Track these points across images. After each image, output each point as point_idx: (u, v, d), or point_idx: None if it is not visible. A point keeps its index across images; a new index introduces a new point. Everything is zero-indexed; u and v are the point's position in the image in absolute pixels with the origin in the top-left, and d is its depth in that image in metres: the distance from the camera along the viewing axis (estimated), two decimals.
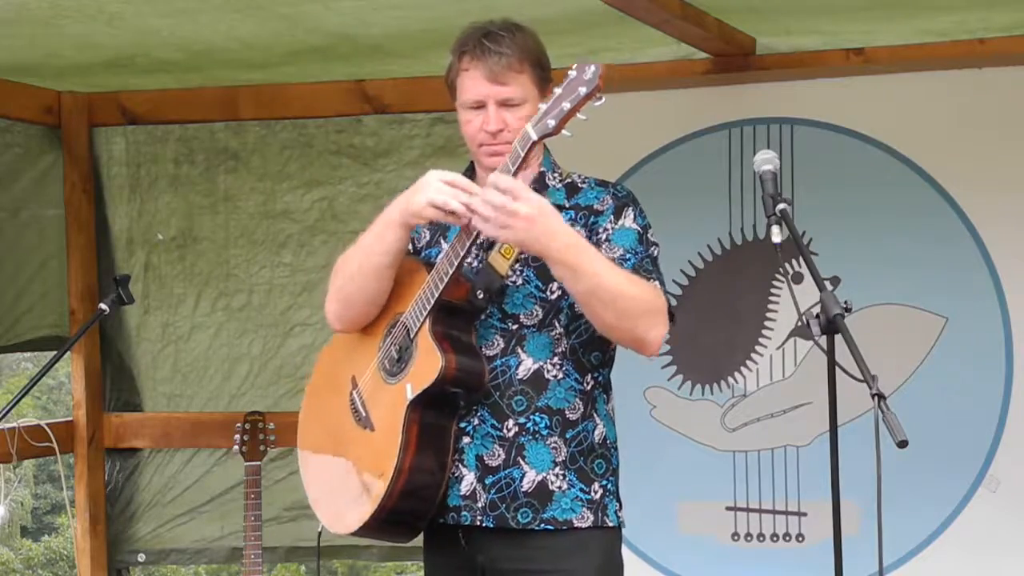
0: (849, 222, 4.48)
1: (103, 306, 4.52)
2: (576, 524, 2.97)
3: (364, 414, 3.05)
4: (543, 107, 2.83)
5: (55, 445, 5.15)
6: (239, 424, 4.88)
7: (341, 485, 3.07)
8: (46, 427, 5.14)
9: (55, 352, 4.58)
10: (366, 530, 3.00)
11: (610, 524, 3.02)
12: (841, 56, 4.58)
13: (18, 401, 4.43)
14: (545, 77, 2.99)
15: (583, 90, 2.79)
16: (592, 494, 2.99)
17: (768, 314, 4.61)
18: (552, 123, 2.81)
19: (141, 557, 5.41)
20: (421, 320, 2.94)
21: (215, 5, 3.97)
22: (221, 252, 5.28)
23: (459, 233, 2.93)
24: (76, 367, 5.34)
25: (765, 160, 2.98)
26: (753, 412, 4.62)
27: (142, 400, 5.39)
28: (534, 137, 2.82)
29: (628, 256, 2.94)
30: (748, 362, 4.63)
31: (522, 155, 2.82)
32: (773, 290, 4.60)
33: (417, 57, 4.72)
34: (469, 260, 2.97)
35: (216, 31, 4.27)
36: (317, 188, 5.18)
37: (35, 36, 4.29)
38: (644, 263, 2.95)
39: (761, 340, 4.61)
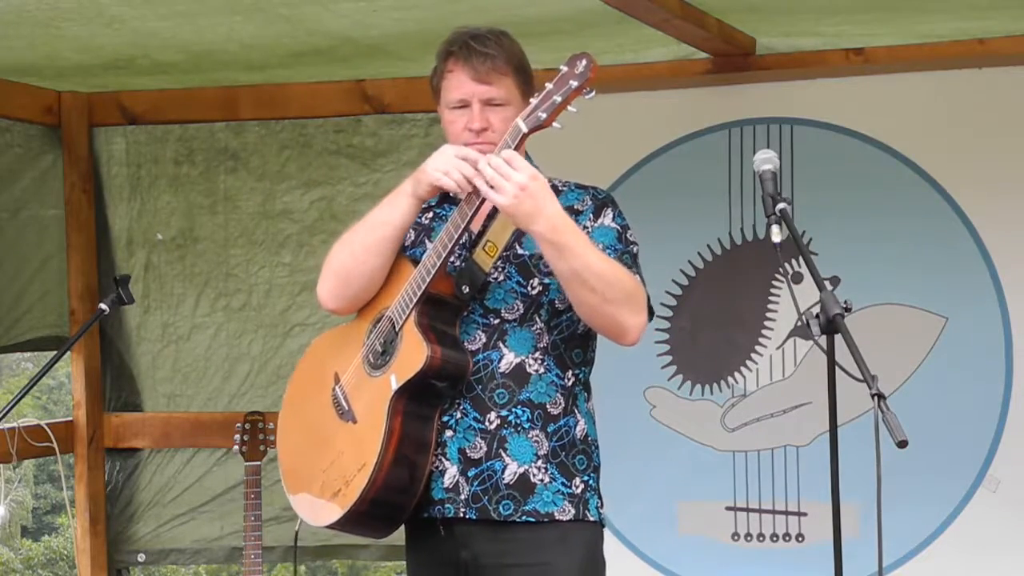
0: (849, 222, 4.48)
1: (103, 306, 4.51)
2: (558, 517, 2.99)
3: (347, 407, 3.07)
4: (534, 101, 2.86)
5: (55, 445, 5.15)
6: (239, 424, 4.87)
7: (321, 478, 3.08)
8: (46, 427, 5.14)
9: (55, 352, 4.58)
10: (346, 522, 3.01)
11: (591, 519, 3.05)
12: (841, 56, 4.58)
13: (18, 401, 4.42)
14: (527, 83, 3.03)
15: (574, 83, 2.82)
16: (574, 488, 3.02)
17: (768, 314, 4.61)
18: (543, 116, 2.84)
19: (141, 557, 5.41)
20: (406, 313, 2.97)
21: (214, 7, 3.97)
22: (221, 252, 5.28)
23: (446, 228, 2.95)
24: (76, 367, 5.33)
25: (765, 160, 2.98)
26: (753, 412, 4.62)
27: (142, 400, 5.39)
28: (524, 129, 2.86)
29: (608, 252, 2.98)
30: (748, 362, 4.63)
31: (512, 147, 2.86)
32: (773, 290, 4.60)
33: (416, 59, 4.72)
34: (453, 259, 3.00)
35: (216, 33, 4.27)
36: (316, 188, 5.19)
37: (35, 37, 4.28)
38: (624, 258, 2.99)
39: (761, 340, 4.61)
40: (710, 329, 4.64)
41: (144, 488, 5.39)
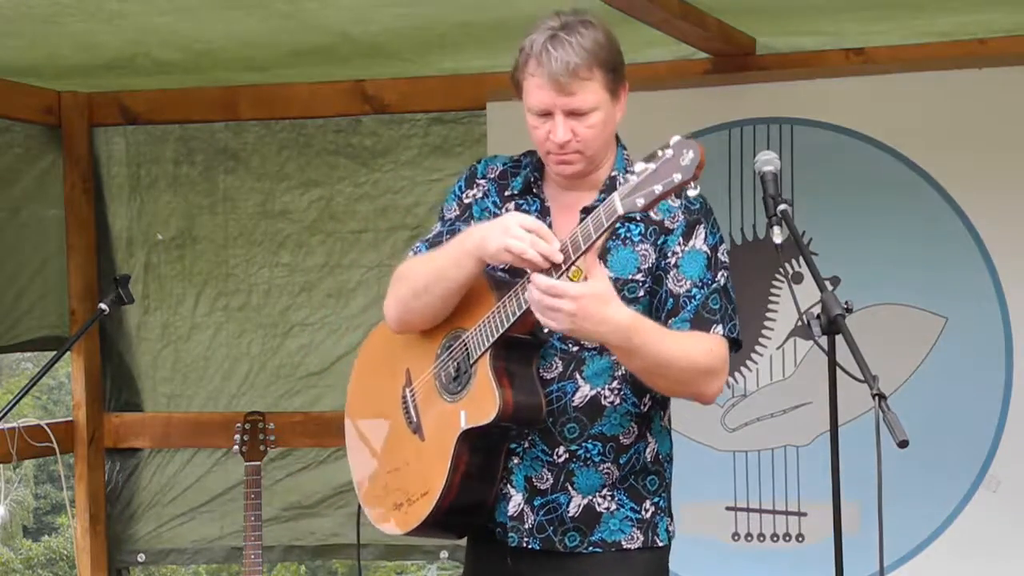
0: (849, 222, 4.48)
1: (103, 306, 4.52)
2: (625, 545, 2.92)
3: (415, 419, 3.01)
4: (634, 179, 2.64)
5: (55, 445, 5.15)
6: (239, 424, 4.88)
7: (385, 479, 3.07)
8: (46, 427, 5.14)
9: (55, 352, 4.58)
10: (410, 535, 3.00)
11: (660, 544, 2.97)
12: (841, 56, 4.59)
13: (18, 401, 4.43)
14: (617, 79, 2.86)
15: (678, 177, 2.59)
16: (643, 513, 2.95)
17: (768, 314, 4.61)
18: (641, 202, 2.63)
19: (141, 557, 5.41)
20: (482, 349, 2.86)
21: (215, 2, 3.96)
22: (220, 252, 5.28)
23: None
24: (76, 367, 5.33)
25: (766, 161, 2.97)
26: (753, 412, 4.61)
27: (142, 400, 5.39)
28: (620, 211, 2.65)
29: (694, 292, 2.87)
30: (748, 362, 4.63)
31: (606, 226, 2.67)
32: (773, 290, 4.60)
33: (416, 59, 4.72)
34: None
35: (216, 30, 4.27)
36: (315, 188, 5.18)
37: (35, 36, 4.28)
38: (709, 301, 2.88)
39: (761, 340, 4.61)
40: None
41: (144, 488, 5.39)
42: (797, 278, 4.01)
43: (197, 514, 5.34)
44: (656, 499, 2.97)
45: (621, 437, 2.92)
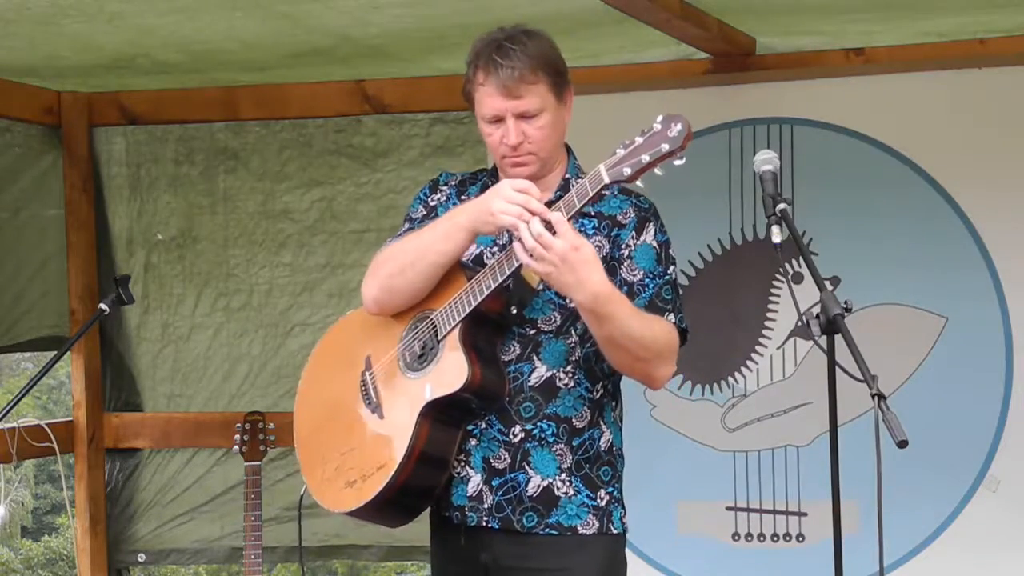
0: (849, 222, 4.48)
1: (103, 306, 4.52)
2: (581, 531, 3.01)
3: (374, 399, 3.07)
4: (621, 151, 2.81)
5: (55, 445, 5.15)
6: (239, 424, 4.87)
7: (337, 460, 3.10)
8: (46, 427, 5.14)
9: (55, 352, 4.58)
10: (358, 513, 3.04)
11: (615, 531, 3.06)
12: (841, 56, 4.59)
13: (18, 401, 4.43)
14: (561, 82, 3.00)
15: (665, 147, 2.78)
16: (598, 500, 3.03)
17: (768, 314, 4.61)
18: (628, 171, 2.80)
19: (141, 557, 5.41)
20: (452, 325, 2.96)
21: (215, 3, 3.97)
22: (220, 252, 5.28)
23: (507, 252, 2.92)
24: (76, 367, 5.33)
25: (765, 160, 2.98)
26: (753, 412, 4.62)
27: (142, 400, 5.39)
28: (606, 180, 2.81)
29: (647, 281, 2.98)
30: (748, 362, 4.63)
31: (591, 194, 2.81)
32: (773, 290, 4.60)
33: (416, 60, 4.73)
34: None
35: (216, 31, 4.27)
36: (316, 188, 5.19)
37: (35, 36, 4.28)
38: (662, 291, 3.00)
39: (761, 340, 4.61)
40: (710, 329, 4.64)
41: (144, 488, 5.39)
42: (797, 278, 4.01)
43: (197, 514, 5.34)
44: (610, 489, 3.06)
45: (574, 419, 3.01)
